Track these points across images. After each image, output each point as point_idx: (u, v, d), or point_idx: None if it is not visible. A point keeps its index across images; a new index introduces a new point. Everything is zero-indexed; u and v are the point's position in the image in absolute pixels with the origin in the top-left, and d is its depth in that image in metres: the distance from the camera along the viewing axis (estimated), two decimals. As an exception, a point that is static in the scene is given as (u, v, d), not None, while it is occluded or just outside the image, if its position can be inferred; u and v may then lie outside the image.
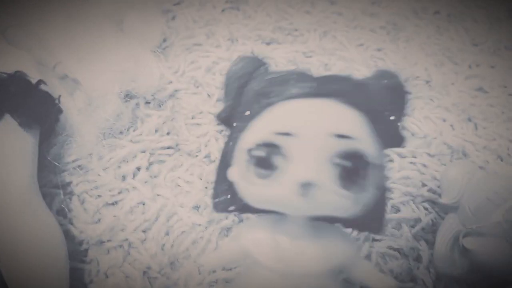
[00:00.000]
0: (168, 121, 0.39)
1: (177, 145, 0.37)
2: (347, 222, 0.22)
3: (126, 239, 0.32)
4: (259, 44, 0.48)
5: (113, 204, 0.34)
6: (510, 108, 0.45)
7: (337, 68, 0.46)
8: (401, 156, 0.38)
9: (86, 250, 0.31)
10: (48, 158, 0.34)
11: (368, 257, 0.31)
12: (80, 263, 0.31)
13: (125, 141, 0.37)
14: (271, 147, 0.19)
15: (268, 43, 0.49)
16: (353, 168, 0.19)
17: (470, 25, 0.55)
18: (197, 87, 0.42)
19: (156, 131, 0.38)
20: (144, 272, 0.31)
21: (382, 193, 0.21)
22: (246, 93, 0.21)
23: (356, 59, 0.48)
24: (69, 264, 0.29)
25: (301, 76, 0.20)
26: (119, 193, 0.34)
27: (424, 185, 0.36)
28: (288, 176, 0.19)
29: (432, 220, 0.34)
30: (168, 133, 0.38)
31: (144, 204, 0.34)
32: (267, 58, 0.22)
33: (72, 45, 0.38)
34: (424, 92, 0.46)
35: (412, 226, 0.33)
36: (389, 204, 0.23)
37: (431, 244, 0.32)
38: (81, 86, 0.36)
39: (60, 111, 0.34)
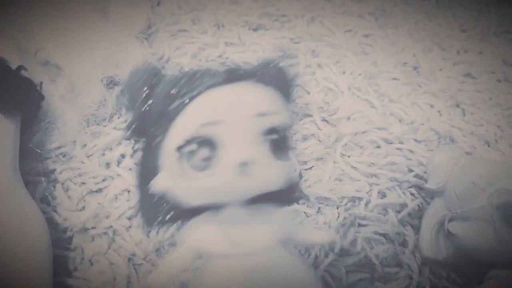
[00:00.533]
0: (153, 108, 0.38)
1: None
2: (273, 199, 0.23)
3: (111, 226, 0.31)
4: (246, 30, 0.48)
5: (97, 191, 0.33)
6: (498, 94, 0.45)
7: (325, 54, 0.46)
8: (388, 142, 0.38)
9: (71, 238, 0.31)
10: (30, 146, 0.33)
11: (353, 242, 0.31)
12: (65, 250, 0.30)
13: (109, 128, 0.36)
14: (201, 138, 0.19)
15: (255, 29, 0.48)
16: (278, 140, 0.20)
17: (458, 11, 0.55)
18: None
19: (141, 118, 0.37)
20: (129, 259, 0.30)
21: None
22: (154, 101, 0.21)
23: (344, 45, 0.48)
24: (53, 251, 0.29)
25: (207, 72, 0.21)
26: (104, 180, 0.34)
27: (410, 170, 0.36)
28: (225, 161, 0.19)
29: (418, 206, 0.34)
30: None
31: (129, 192, 0.33)
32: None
33: (54, 31, 0.37)
34: (412, 78, 0.45)
35: (398, 212, 0.33)
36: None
37: (417, 229, 0.32)
38: (63, 72, 0.35)
39: (41, 97, 0.34)
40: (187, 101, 0.20)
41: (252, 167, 0.19)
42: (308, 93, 0.42)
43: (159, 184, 0.21)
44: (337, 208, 0.33)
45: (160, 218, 0.22)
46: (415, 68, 0.47)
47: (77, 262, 0.30)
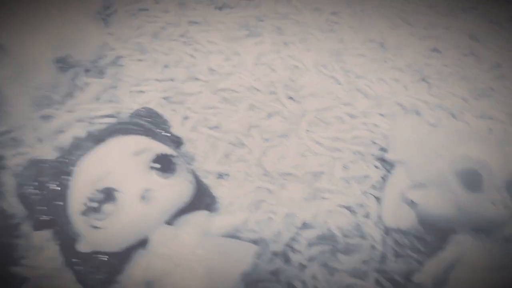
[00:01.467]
0: (109, 89, 0.37)
1: (119, 113, 0.35)
2: (190, 210, 0.26)
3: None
4: (211, 9, 0.46)
5: (49, 176, 0.32)
6: (464, 67, 0.45)
7: (290, 32, 0.45)
8: (353, 116, 0.38)
9: (18, 224, 0.29)
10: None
11: (316, 215, 0.30)
12: (11, 238, 0.29)
13: (61, 111, 0.34)
14: (99, 194, 0.23)
15: (220, 8, 0.47)
16: (164, 163, 0.24)
17: (426, -12, 0.54)
18: (143, 53, 0.40)
19: (96, 99, 0.36)
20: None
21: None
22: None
23: (310, 23, 0.47)
24: None
25: (74, 145, 0.25)
26: (56, 164, 0.32)
27: (374, 143, 0.35)
28: (127, 199, 0.23)
29: (382, 178, 0.33)
30: (109, 101, 0.36)
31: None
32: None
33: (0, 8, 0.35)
34: (379, 54, 0.45)
35: (361, 184, 0.33)
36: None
37: (380, 200, 0.32)
38: (9, 53, 0.34)
39: (-15, 79, 0.32)
40: (68, 176, 0.23)
41: (151, 193, 0.23)
42: (274, 71, 0.41)
43: (82, 249, 0.24)
44: (301, 184, 0.33)
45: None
46: (381, 44, 0.46)
47: (25, 249, 0.28)
